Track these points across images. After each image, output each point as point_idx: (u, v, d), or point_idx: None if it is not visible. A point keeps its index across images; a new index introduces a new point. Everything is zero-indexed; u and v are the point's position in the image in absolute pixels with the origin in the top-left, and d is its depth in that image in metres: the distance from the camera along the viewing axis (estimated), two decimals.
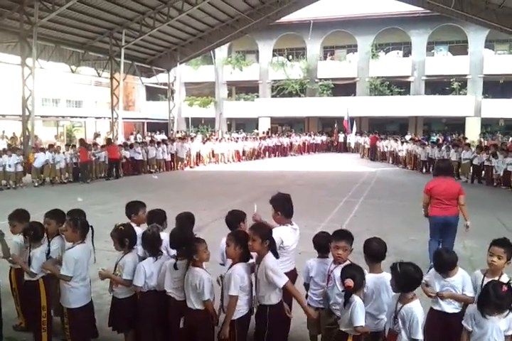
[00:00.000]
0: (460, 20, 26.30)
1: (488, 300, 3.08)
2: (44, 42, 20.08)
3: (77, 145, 17.11)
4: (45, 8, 16.80)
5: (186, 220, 4.49)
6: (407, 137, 26.57)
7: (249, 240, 3.64)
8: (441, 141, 24.75)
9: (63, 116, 30.15)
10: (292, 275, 4.14)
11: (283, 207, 4.18)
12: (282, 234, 4.04)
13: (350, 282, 3.30)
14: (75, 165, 16.40)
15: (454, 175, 7.10)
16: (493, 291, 3.06)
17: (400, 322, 3.18)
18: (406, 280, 3.19)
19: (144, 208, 4.79)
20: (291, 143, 28.94)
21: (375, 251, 3.64)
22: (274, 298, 3.67)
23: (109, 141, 18.81)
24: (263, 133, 32.25)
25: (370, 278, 3.55)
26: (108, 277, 4.09)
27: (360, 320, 3.27)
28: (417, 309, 3.18)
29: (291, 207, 4.23)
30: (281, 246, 4.00)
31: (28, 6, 16.73)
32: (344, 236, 3.82)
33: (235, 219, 4.24)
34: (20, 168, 14.81)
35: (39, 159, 15.27)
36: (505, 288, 3.07)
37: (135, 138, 29.34)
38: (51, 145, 16.55)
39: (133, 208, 4.77)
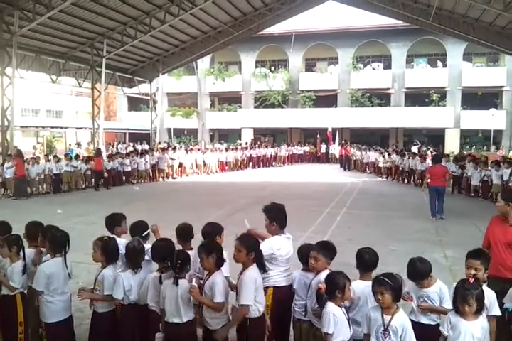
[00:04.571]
0: (439, 34, 26.86)
1: (456, 293, 3.20)
2: (24, 51, 19.82)
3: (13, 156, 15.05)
4: (25, 18, 16.61)
5: (185, 232, 4.32)
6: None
7: (234, 250, 3.63)
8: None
9: (43, 127, 29.84)
10: (283, 291, 4.03)
11: (278, 217, 4.16)
12: (275, 243, 4.02)
13: (321, 285, 3.35)
14: (55, 176, 16.08)
15: (441, 162, 12.87)
16: (461, 284, 3.22)
17: (391, 335, 3.14)
18: (401, 291, 3.24)
19: (125, 220, 4.69)
20: (275, 154, 28.99)
21: (368, 261, 3.66)
22: (252, 312, 3.58)
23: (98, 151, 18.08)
24: (246, 143, 32.25)
25: (359, 284, 3.55)
26: (90, 298, 3.99)
27: (328, 327, 3.24)
28: (406, 319, 3.20)
29: (285, 217, 4.21)
30: (274, 256, 3.97)
31: (8, 15, 16.54)
32: (320, 246, 3.83)
33: (212, 230, 4.14)
34: None
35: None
36: (471, 280, 3.27)
37: (117, 149, 28.97)
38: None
39: (115, 220, 4.66)
